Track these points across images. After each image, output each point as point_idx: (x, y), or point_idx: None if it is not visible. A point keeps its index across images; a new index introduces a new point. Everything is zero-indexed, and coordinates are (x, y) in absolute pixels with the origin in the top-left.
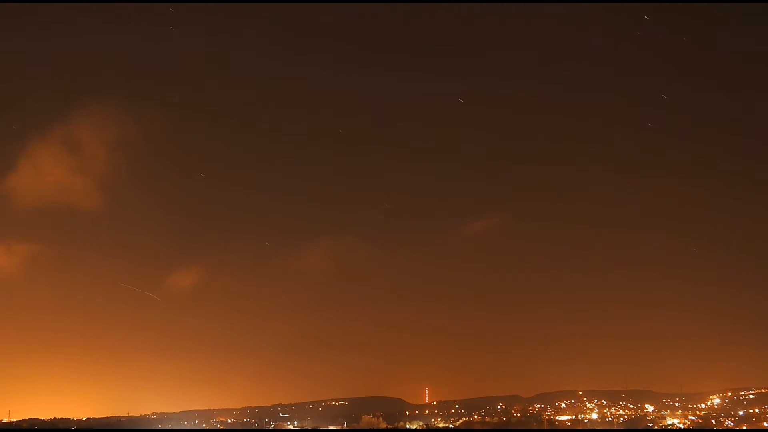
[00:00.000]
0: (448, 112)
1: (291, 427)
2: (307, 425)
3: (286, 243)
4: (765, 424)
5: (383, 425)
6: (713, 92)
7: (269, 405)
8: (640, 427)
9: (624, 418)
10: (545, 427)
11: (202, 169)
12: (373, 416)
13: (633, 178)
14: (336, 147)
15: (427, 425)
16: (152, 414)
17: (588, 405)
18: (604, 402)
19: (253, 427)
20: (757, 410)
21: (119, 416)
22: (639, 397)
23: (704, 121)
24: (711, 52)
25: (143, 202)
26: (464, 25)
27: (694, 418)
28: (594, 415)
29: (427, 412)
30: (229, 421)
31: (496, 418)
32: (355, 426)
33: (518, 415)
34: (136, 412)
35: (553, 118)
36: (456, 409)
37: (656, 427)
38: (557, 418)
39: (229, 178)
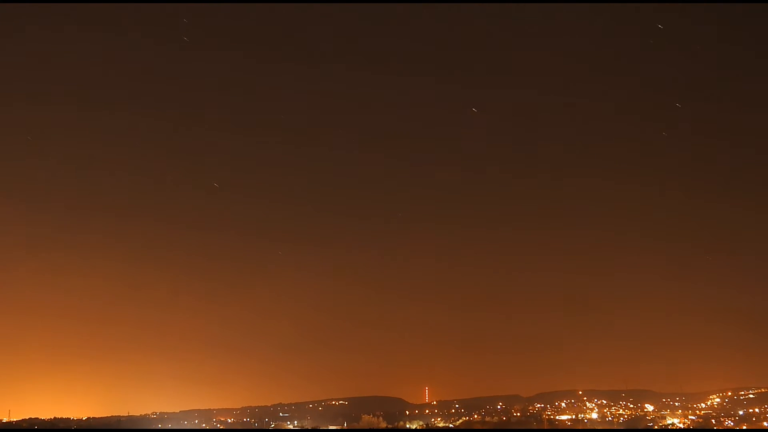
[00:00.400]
0: (460, 120)
1: (291, 426)
2: (307, 425)
3: (291, 245)
4: (765, 423)
5: (383, 425)
6: (726, 100)
7: (269, 405)
8: (640, 426)
9: (624, 418)
10: (545, 427)
11: (217, 179)
12: (373, 416)
13: (634, 180)
14: (344, 154)
15: (427, 425)
16: (152, 414)
17: (588, 405)
18: (604, 402)
19: (253, 427)
20: (756, 410)
21: (119, 416)
22: (639, 396)
23: (707, 127)
24: (724, 59)
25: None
26: (478, 33)
27: (694, 417)
28: (594, 415)
29: (427, 411)
30: (229, 420)
31: (496, 418)
32: (355, 426)
33: (518, 414)
34: (136, 411)
35: (563, 123)
36: (456, 409)
37: (656, 427)
38: (557, 417)
39: (242, 187)
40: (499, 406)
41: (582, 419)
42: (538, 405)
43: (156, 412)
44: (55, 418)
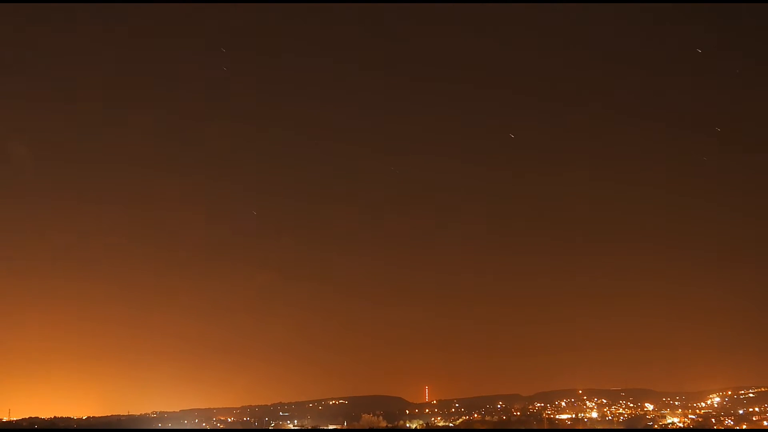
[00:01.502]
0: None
1: (291, 426)
2: (308, 424)
3: (291, 246)
4: (765, 423)
5: (383, 424)
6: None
7: (269, 404)
8: (640, 426)
9: (624, 417)
10: (545, 426)
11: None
12: (374, 415)
13: (635, 184)
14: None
15: (427, 424)
16: (152, 413)
17: (588, 404)
18: (604, 401)
19: (253, 427)
20: (756, 409)
21: (119, 415)
22: (639, 396)
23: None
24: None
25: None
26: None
27: (694, 416)
28: (594, 414)
29: (427, 411)
30: (230, 420)
31: (496, 417)
32: (355, 425)
33: (518, 414)
34: (137, 410)
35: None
36: (456, 408)
37: (656, 426)
38: (557, 417)
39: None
40: (499, 406)
41: (582, 418)
42: (538, 404)
43: (156, 412)
44: (55, 417)
